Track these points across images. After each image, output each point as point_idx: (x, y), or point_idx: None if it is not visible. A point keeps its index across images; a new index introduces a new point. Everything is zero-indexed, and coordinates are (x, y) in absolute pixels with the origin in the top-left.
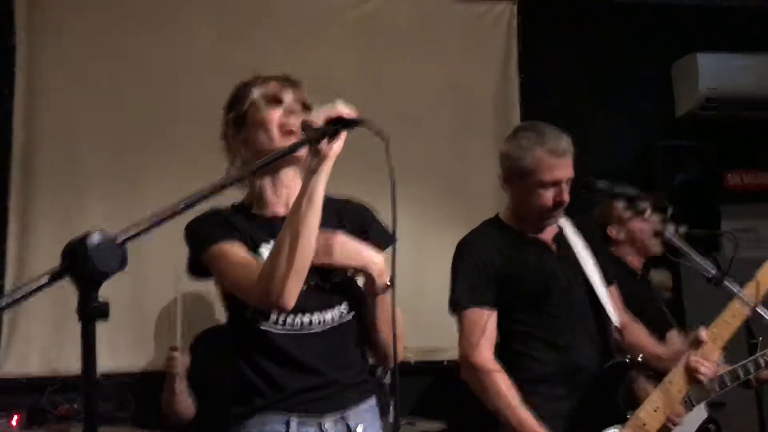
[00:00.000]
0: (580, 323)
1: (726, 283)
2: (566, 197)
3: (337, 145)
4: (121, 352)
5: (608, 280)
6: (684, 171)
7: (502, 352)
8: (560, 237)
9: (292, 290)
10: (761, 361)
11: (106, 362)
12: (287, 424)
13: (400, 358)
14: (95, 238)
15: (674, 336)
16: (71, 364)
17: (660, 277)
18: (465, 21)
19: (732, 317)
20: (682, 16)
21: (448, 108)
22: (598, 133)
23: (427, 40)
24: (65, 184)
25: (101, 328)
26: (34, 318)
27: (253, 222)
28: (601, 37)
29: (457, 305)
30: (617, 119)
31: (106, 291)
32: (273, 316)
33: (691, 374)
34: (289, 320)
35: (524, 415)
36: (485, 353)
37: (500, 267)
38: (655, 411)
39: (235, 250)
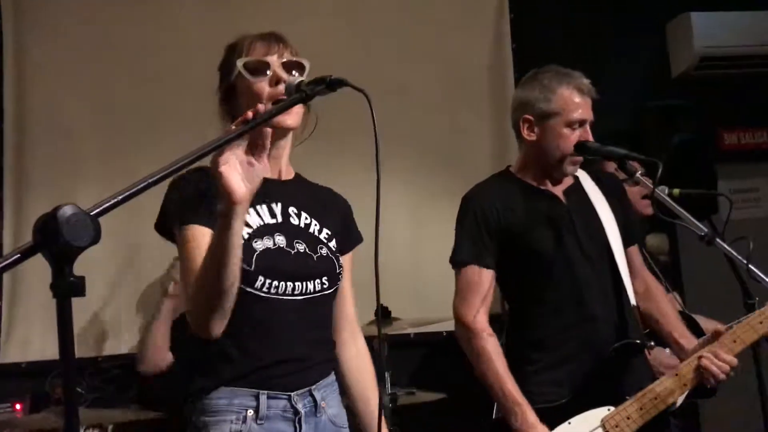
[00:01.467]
0: (594, 283)
1: (718, 241)
2: (591, 138)
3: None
4: (122, 334)
5: (629, 240)
6: (680, 131)
7: (511, 315)
8: (573, 190)
9: (216, 325)
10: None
11: (110, 344)
12: (257, 398)
13: None
14: (66, 212)
15: (672, 301)
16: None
17: (656, 241)
18: None
19: (760, 323)
20: None
21: (442, 79)
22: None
23: (417, 11)
24: (58, 169)
25: (102, 311)
26: (33, 303)
27: None
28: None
29: (455, 262)
30: (612, 81)
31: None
32: (259, 281)
33: (701, 373)
34: (275, 284)
35: (508, 382)
36: (480, 316)
37: (508, 224)
38: (641, 409)
39: (199, 244)
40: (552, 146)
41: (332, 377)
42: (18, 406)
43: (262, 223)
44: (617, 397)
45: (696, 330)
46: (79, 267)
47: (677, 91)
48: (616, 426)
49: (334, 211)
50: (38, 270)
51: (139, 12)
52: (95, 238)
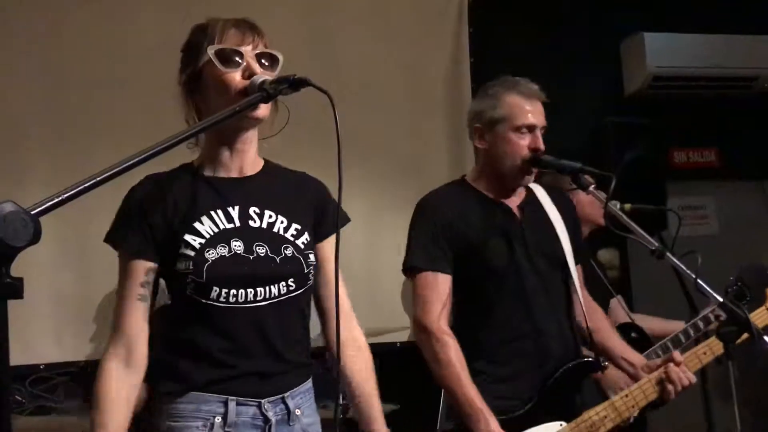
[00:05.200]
0: (542, 298)
1: (669, 255)
2: (541, 144)
3: None
4: (66, 341)
5: (577, 259)
6: (633, 148)
7: (458, 322)
8: (528, 203)
9: None
10: (700, 324)
11: (53, 352)
12: (225, 404)
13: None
14: (3, 209)
15: (617, 305)
16: (13, 353)
17: (608, 255)
18: (417, 1)
19: (704, 353)
20: None
21: (401, 88)
22: (548, 111)
23: (378, 20)
24: (6, 165)
25: (47, 318)
26: None
27: (202, 184)
28: (551, 17)
29: (411, 269)
30: (568, 97)
31: (51, 280)
32: (215, 292)
33: (665, 389)
34: (233, 292)
35: (469, 390)
36: (438, 318)
37: (460, 233)
38: (605, 418)
39: (130, 279)
40: (502, 152)
41: (308, 384)
42: None
43: (216, 230)
44: (569, 413)
45: (641, 334)
46: (23, 268)
47: (630, 109)
48: None
49: (308, 197)
50: None
51: (94, 6)
52: (34, 238)
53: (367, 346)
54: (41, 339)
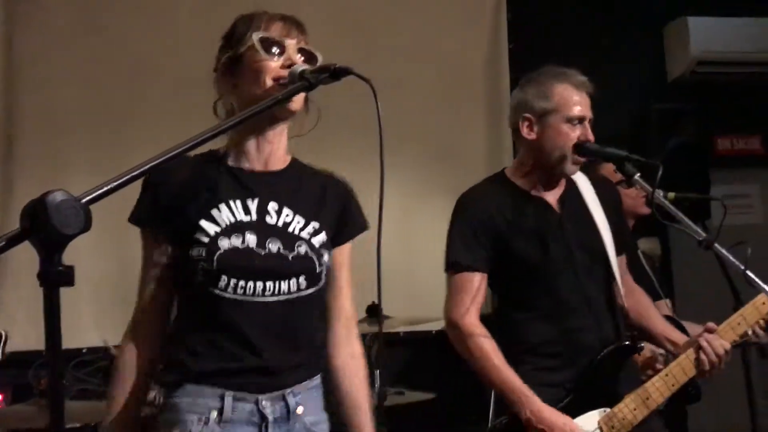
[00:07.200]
0: (580, 292)
1: (716, 246)
2: (591, 136)
3: None
4: (107, 326)
5: (620, 249)
6: (676, 135)
7: (499, 319)
8: (568, 196)
9: None
10: None
11: (94, 336)
12: (221, 399)
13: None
14: (56, 198)
15: (663, 307)
16: None
17: (649, 245)
18: None
19: (738, 324)
20: None
21: (439, 76)
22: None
23: (416, 8)
24: (48, 162)
25: (89, 304)
26: (16, 293)
27: (225, 174)
28: (592, 1)
29: (452, 265)
30: (610, 84)
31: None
32: (223, 281)
33: (699, 360)
34: (241, 284)
35: (508, 373)
36: (470, 316)
37: (499, 229)
38: (635, 410)
39: (150, 257)
40: (552, 144)
41: (315, 381)
42: None
43: (233, 220)
44: (611, 398)
45: (683, 331)
46: (67, 255)
47: (673, 94)
48: (613, 427)
49: (331, 199)
50: (23, 258)
51: (132, 3)
52: (86, 226)
53: (363, 356)
54: (83, 323)
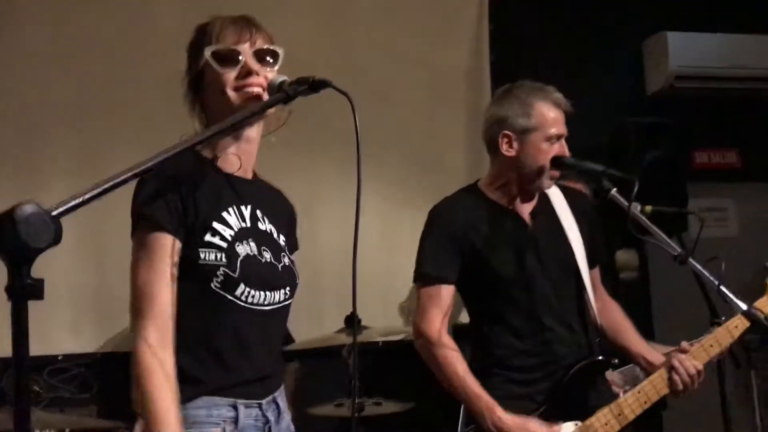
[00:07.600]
0: (552, 306)
1: (691, 261)
2: (568, 153)
3: None
4: (83, 333)
5: (594, 261)
6: (655, 148)
7: (471, 327)
8: (542, 209)
9: None
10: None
11: (69, 344)
12: (235, 407)
13: None
14: (25, 211)
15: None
16: (32, 343)
17: (626, 256)
18: None
19: (710, 346)
20: None
21: (420, 85)
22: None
23: (397, 16)
24: (27, 164)
25: (64, 310)
26: None
27: (221, 178)
28: (573, 15)
29: (420, 278)
30: (589, 97)
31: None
32: (240, 288)
33: (672, 380)
34: (252, 293)
35: (472, 384)
36: (437, 327)
37: (470, 242)
38: (606, 424)
39: (162, 255)
40: (531, 161)
41: (283, 386)
42: None
43: (242, 225)
44: (583, 412)
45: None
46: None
47: (652, 108)
48: None
49: (285, 215)
50: None
51: (112, 4)
52: (55, 239)
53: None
54: (59, 330)
